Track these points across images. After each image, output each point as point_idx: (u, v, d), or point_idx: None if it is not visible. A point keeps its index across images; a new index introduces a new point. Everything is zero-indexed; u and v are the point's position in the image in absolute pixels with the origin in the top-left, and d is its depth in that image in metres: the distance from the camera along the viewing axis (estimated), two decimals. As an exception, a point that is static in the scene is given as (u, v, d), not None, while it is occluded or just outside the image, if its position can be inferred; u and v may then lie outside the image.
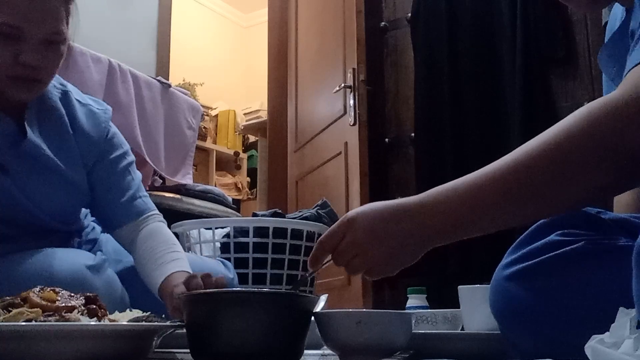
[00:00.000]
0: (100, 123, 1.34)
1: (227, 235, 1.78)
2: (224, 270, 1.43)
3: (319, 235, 1.81)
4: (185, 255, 1.28)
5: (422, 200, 0.77)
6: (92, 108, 1.35)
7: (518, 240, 0.91)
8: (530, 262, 0.85)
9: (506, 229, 0.74)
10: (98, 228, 1.46)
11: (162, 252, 1.24)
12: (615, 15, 1.03)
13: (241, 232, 1.76)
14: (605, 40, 1.05)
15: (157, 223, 1.34)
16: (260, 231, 1.73)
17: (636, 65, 0.70)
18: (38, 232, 1.26)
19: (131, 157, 1.39)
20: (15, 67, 1.13)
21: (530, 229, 0.91)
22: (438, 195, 0.76)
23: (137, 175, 1.40)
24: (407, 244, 0.78)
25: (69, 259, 1.15)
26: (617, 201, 1.18)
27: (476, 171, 0.74)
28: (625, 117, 0.65)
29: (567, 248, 0.83)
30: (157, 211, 1.38)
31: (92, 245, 1.40)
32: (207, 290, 1.02)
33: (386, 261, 0.80)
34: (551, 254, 0.83)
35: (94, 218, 1.46)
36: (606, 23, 2.46)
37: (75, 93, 1.35)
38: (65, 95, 1.32)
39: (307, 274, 0.93)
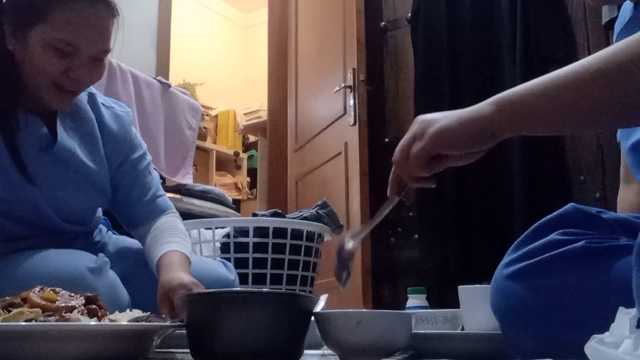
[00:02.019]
0: (125, 125, 1.39)
1: (227, 235, 1.78)
2: (224, 271, 1.43)
3: (319, 235, 1.81)
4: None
5: (491, 100, 0.82)
6: (117, 111, 1.39)
7: (519, 239, 0.91)
8: (531, 261, 0.85)
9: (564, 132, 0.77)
10: (104, 229, 1.46)
11: (166, 234, 1.29)
12: (625, 11, 1.03)
13: (241, 232, 1.76)
14: (615, 34, 1.05)
15: (169, 217, 1.39)
16: (260, 231, 1.73)
17: None
18: (51, 233, 1.27)
19: (149, 157, 1.44)
20: (63, 79, 1.18)
21: (530, 228, 0.91)
22: (508, 94, 0.81)
23: (155, 174, 1.45)
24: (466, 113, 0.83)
25: (70, 260, 1.16)
26: (620, 201, 1.18)
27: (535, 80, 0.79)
28: None
29: (568, 247, 0.83)
30: (174, 209, 1.43)
31: (97, 247, 1.40)
32: (207, 290, 1.02)
33: (442, 120, 0.82)
34: (552, 253, 0.84)
35: (104, 218, 1.48)
36: (606, 23, 2.47)
37: (99, 96, 1.39)
38: (91, 98, 1.36)
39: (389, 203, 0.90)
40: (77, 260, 1.16)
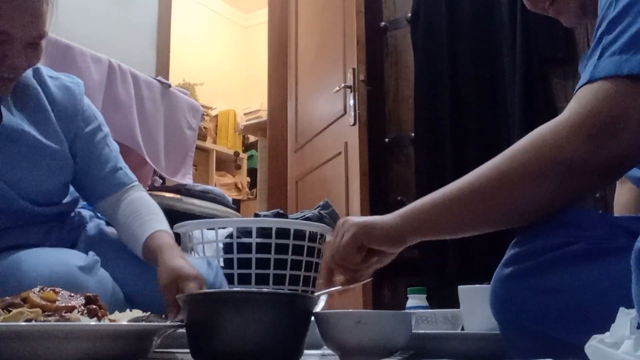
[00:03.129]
0: (75, 96, 1.36)
1: (230, 236, 1.78)
2: (205, 270, 1.39)
3: (322, 235, 1.82)
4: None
5: (402, 213, 0.92)
6: (65, 82, 1.36)
7: (518, 239, 0.91)
8: (530, 262, 0.85)
9: (462, 236, 0.88)
10: (86, 214, 1.45)
11: (145, 213, 1.28)
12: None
13: (244, 232, 1.76)
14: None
15: (139, 192, 1.37)
16: (263, 232, 1.73)
17: (585, 84, 0.74)
18: (25, 222, 1.25)
19: (106, 129, 1.41)
20: (1, 70, 1.15)
21: (530, 229, 0.91)
22: (412, 206, 0.91)
23: (115, 146, 1.42)
24: (385, 217, 0.94)
25: (59, 260, 1.15)
26: (617, 201, 1.18)
27: (439, 191, 0.87)
28: (566, 133, 0.72)
29: (567, 248, 0.83)
30: (138, 182, 1.40)
31: (77, 235, 1.39)
32: (208, 290, 1.02)
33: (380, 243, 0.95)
34: (551, 254, 0.83)
35: (83, 204, 1.46)
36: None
37: (45, 70, 1.36)
38: (36, 72, 1.32)
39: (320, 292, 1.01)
40: (67, 259, 1.15)
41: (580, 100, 0.74)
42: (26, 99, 1.28)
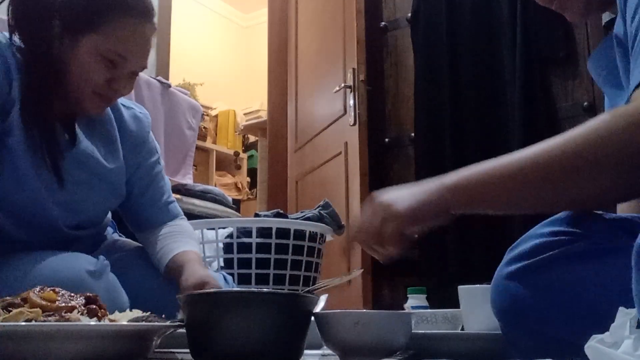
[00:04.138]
0: (145, 127, 1.40)
1: (230, 236, 1.79)
2: (222, 284, 1.42)
3: (322, 235, 1.82)
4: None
5: (451, 176, 0.84)
6: (136, 112, 1.41)
7: (520, 239, 0.91)
8: (531, 261, 0.85)
9: (514, 213, 0.83)
10: (110, 231, 1.47)
11: (182, 236, 1.34)
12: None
13: (244, 232, 1.77)
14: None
15: (184, 221, 1.43)
16: (263, 232, 1.73)
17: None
18: (49, 238, 1.25)
19: (162, 163, 1.46)
20: (104, 88, 1.20)
21: (531, 228, 0.91)
22: (458, 173, 0.83)
23: (167, 180, 1.47)
24: (427, 191, 0.84)
25: (69, 263, 1.14)
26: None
27: (496, 158, 0.80)
28: (637, 123, 0.69)
29: (568, 247, 0.83)
30: (184, 216, 1.46)
31: (96, 248, 1.40)
32: (207, 290, 1.02)
33: (412, 218, 0.85)
34: (552, 252, 0.84)
35: (112, 221, 1.48)
36: (607, 23, 2.47)
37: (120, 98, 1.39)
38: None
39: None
40: (76, 263, 1.15)
41: None
42: (99, 124, 1.31)
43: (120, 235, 1.49)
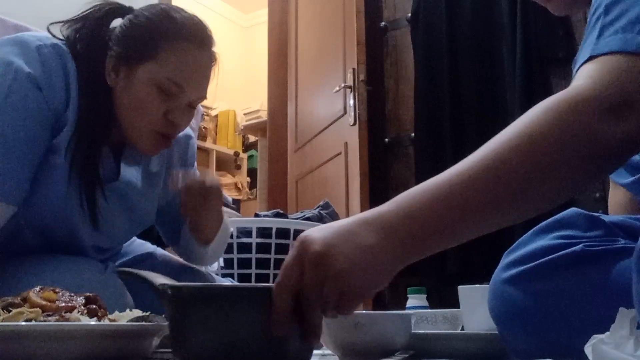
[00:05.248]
0: (192, 153, 1.40)
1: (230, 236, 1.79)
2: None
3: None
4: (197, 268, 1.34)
5: (390, 208, 0.63)
6: (184, 136, 1.36)
7: (518, 241, 0.91)
8: (528, 265, 0.85)
9: (473, 237, 0.65)
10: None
11: None
12: None
13: (244, 232, 1.77)
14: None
15: None
16: (263, 232, 1.73)
17: (586, 61, 0.69)
18: (71, 253, 1.22)
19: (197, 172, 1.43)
20: (161, 123, 1.15)
21: (530, 230, 0.91)
22: (406, 201, 0.63)
23: None
24: (380, 261, 0.61)
25: (77, 269, 1.13)
26: (611, 201, 1.18)
27: (441, 174, 0.65)
28: (584, 108, 0.64)
29: (566, 251, 0.83)
30: None
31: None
32: (185, 284, 0.95)
33: (364, 278, 0.60)
34: (550, 257, 0.83)
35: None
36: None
37: None
38: None
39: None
40: (85, 268, 1.14)
41: (589, 75, 0.67)
42: (146, 157, 1.27)
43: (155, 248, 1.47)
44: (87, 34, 1.15)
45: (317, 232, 0.61)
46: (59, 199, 1.11)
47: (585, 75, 0.68)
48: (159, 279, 0.75)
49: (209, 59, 1.20)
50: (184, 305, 0.63)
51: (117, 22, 1.19)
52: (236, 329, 0.61)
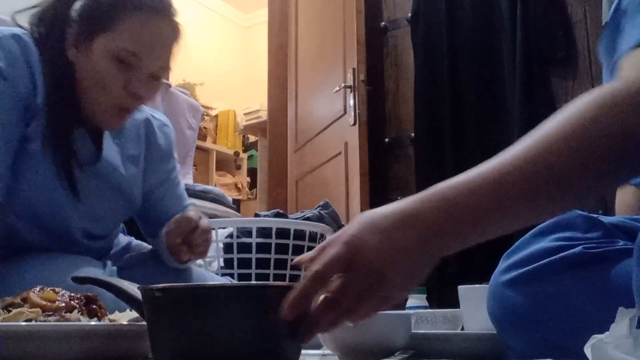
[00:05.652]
0: (172, 141, 1.40)
1: (230, 236, 1.79)
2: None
3: (322, 235, 1.81)
4: (195, 269, 1.34)
5: (430, 198, 0.63)
6: (163, 123, 1.38)
7: (516, 244, 0.91)
8: (528, 268, 0.85)
9: (519, 228, 0.64)
10: (120, 236, 1.45)
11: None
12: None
13: (244, 232, 1.77)
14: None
15: None
16: (263, 231, 1.74)
17: (634, 48, 0.67)
18: (62, 245, 1.23)
19: (178, 167, 1.44)
20: (121, 96, 1.14)
21: (530, 232, 0.91)
22: (446, 192, 0.63)
23: (182, 185, 1.44)
24: (422, 253, 0.62)
25: (78, 268, 1.13)
26: (618, 202, 1.18)
27: (481, 165, 0.64)
28: (631, 105, 0.61)
29: (565, 253, 0.82)
30: None
31: (106, 253, 1.39)
32: (168, 285, 0.92)
33: (406, 282, 0.63)
34: (549, 259, 0.83)
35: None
36: (607, 23, 2.45)
37: (146, 107, 1.36)
38: (140, 111, 1.33)
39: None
40: (85, 268, 1.14)
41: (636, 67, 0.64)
42: (128, 133, 1.29)
43: (130, 238, 1.48)
44: (50, 16, 1.16)
45: (368, 236, 0.60)
46: (43, 184, 1.13)
47: (630, 69, 0.66)
48: (128, 284, 0.74)
49: (169, 28, 1.18)
50: (169, 307, 0.60)
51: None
52: (221, 328, 0.59)
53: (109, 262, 1.23)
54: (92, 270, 1.16)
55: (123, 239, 1.45)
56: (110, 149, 1.24)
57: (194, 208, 1.29)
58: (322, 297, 0.61)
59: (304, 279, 0.60)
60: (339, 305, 0.60)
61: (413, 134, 2.82)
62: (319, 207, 2.01)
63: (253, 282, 1.61)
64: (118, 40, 1.11)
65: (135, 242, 1.45)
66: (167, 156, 1.37)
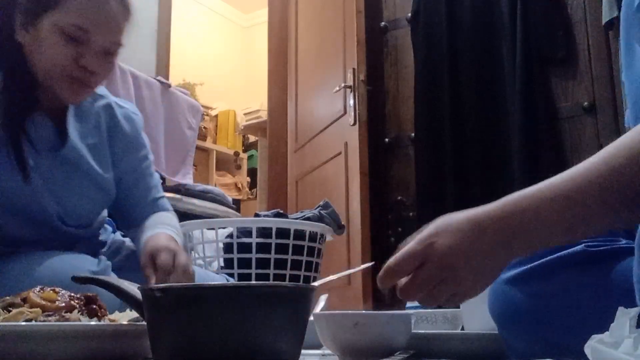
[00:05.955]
0: (138, 130, 1.39)
1: (230, 236, 1.79)
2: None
3: (321, 235, 1.81)
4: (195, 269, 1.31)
5: (506, 206, 0.67)
6: (129, 112, 1.39)
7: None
8: (529, 266, 0.85)
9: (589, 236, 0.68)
10: (109, 229, 1.46)
11: (160, 223, 1.30)
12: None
13: (244, 232, 1.77)
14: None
15: (170, 213, 1.41)
16: (263, 231, 1.73)
17: None
18: (47, 236, 1.24)
19: (152, 157, 1.44)
20: (73, 70, 1.16)
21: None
22: (522, 202, 0.66)
23: (156, 175, 1.44)
24: (496, 256, 0.67)
25: (72, 264, 1.14)
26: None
27: (557, 176, 0.65)
28: None
29: (566, 251, 0.82)
30: (173, 211, 1.44)
31: (98, 250, 1.39)
32: (168, 285, 0.90)
33: (476, 280, 0.69)
34: (550, 257, 0.83)
35: (109, 220, 1.47)
36: (606, 23, 2.46)
37: (110, 95, 1.37)
38: (102, 98, 1.34)
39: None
40: (79, 264, 1.15)
41: None
42: (88, 125, 1.29)
43: (123, 236, 1.48)
44: None
45: (444, 234, 0.67)
46: (10, 170, 1.14)
47: None
48: (128, 284, 0.74)
49: (117, 5, 1.19)
50: (170, 307, 0.60)
51: None
52: (221, 328, 0.59)
53: (103, 258, 1.23)
54: (89, 261, 1.16)
55: (117, 237, 1.45)
56: (77, 138, 1.25)
57: (167, 234, 1.23)
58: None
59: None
60: (407, 291, 0.69)
61: (413, 134, 2.82)
62: (319, 207, 2.01)
63: (253, 282, 1.61)
64: (65, 17, 1.13)
65: (130, 241, 1.45)
66: (134, 145, 1.36)
